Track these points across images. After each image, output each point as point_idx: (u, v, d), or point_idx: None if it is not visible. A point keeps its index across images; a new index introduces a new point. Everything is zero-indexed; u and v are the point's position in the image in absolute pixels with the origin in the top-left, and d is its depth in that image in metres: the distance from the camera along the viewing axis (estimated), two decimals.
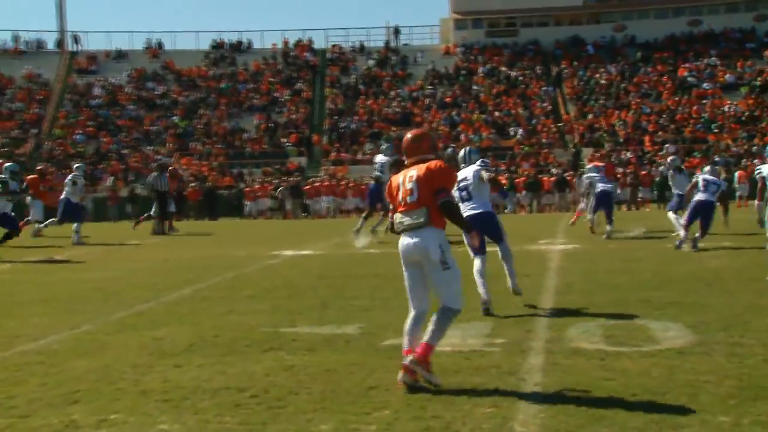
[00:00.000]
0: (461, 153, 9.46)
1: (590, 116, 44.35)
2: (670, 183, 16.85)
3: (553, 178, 34.20)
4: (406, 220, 5.19)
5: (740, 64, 48.99)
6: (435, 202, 5.12)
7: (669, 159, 17.63)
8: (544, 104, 46.03)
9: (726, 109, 43.97)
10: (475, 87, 48.26)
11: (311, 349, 6.10)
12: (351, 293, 8.90)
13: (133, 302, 8.63)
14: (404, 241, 5.20)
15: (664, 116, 43.48)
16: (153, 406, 4.72)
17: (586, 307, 7.55)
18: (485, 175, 8.02)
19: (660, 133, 41.57)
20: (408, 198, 5.21)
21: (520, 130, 42.95)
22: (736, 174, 32.98)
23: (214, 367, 5.58)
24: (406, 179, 5.27)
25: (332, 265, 12.00)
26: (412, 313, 5.22)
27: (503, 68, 50.29)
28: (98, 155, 41.20)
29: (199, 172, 38.76)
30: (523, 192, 33.43)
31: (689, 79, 47.71)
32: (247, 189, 35.04)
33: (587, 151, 39.98)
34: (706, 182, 13.48)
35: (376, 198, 16.40)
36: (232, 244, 16.89)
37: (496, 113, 44.80)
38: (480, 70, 50.01)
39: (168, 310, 8.06)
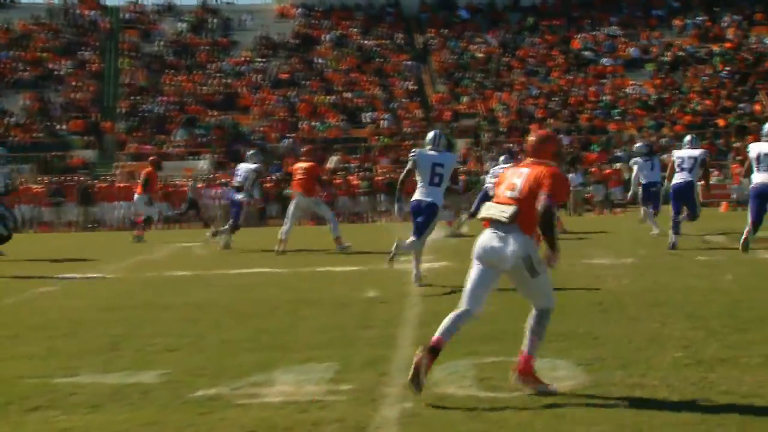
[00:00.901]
0: (430, 134, 12.30)
1: (464, 99, 45.44)
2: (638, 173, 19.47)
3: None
4: (494, 212, 6.10)
5: (645, 35, 51.53)
6: (535, 204, 5.94)
7: (636, 146, 20.70)
8: (407, 83, 46.82)
9: (629, 90, 46.11)
10: (319, 60, 48.54)
11: (95, 406, 5.93)
12: (152, 329, 8.74)
13: None
14: (486, 237, 6.12)
15: (555, 99, 45.13)
16: None
17: (455, 342, 7.68)
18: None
19: (550, 120, 43.04)
20: (508, 192, 6.13)
21: (377, 117, 43.44)
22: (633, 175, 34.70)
23: None
24: (514, 173, 6.23)
25: (128, 293, 11.75)
26: (460, 309, 6.15)
27: (355, 37, 50.85)
28: None
29: None
30: (383, 195, 33.86)
31: (585, 53, 49.80)
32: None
33: (460, 144, 40.94)
34: (681, 160, 15.81)
35: (236, 206, 18.90)
36: None
37: (346, 94, 45.19)
38: (325, 38, 50.34)
39: None
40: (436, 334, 6.05)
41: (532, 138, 6.41)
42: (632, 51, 49.75)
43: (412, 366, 5.86)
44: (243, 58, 48.36)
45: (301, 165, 18.04)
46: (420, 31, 52.05)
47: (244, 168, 19.08)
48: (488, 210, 6.18)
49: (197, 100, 44.07)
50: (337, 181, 34.48)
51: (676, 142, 39.78)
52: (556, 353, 7.14)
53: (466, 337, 7.87)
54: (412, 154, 12.12)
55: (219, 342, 7.94)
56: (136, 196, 22.40)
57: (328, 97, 44.81)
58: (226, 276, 13.55)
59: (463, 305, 6.16)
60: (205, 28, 51.33)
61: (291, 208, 17.74)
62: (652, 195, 19.30)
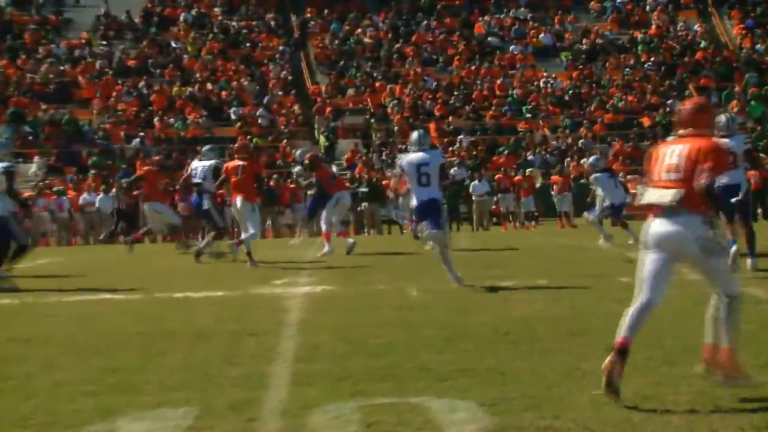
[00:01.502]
0: (414, 135, 14.74)
1: (350, 92, 45.59)
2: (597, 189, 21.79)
3: (293, 185, 34.80)
4: (656, 197, 6.77)
5: (558, 19, 52.51)
6: (698, 182, 6.56)
7: (591, 159, 22.77)
8: (282, 73, 46.76)
9: (542, 83, 46.86)
10: (174, 44, 48.16)
11: None
12: None
13: None
14: (658, 225, 6.80)
15: (456, 93, 45.57)
16: None
17: (340, 380, 7.71)
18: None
19: (450, 118, 43.45)
20: (669, 174, 6.78)
21: (246, 112, 43.25)
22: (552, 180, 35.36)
23: None
24: (669, 152, 6.84)
25: None
26: (639, 302, 6.79)
27: (218, 16, 50.63)
28: None
29: None
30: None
31: (490, 39, 50.47)
32: None
33: (346, 145, 41.06)
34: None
35: (203, 213, 20.53)
36: None
37: (209, 85, 44.92)
38: (182, 17, 49.98)
39: None
40: (621, 334, 6.74)
41: (687, 106, 7.09)
42: (544, 38, 50.66)
43: (604, 376, 6.57)
44: (80, 41, 47.66)
45: (237, 163, 18.55)
46: (296, 11, 52.09)
47: (196, 164, 20.34)
48: (650, 196, 6.88)
49: (24, 91, 43.21)
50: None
51: (595, 145, 40.81)
52: (457, 393, 7.19)
53: (353, 373, 7.90)
54: (398, 161, 15.09)
55: (51, 384, 7.78)
56: None
57: (186, 89, 44.45)
58: (62, 304, 13.31)
59: (643, 297, 6.82)
60: (32, 3, 50.41)
61: (233, 213, 18.99)
62: (618, 215, 21.56)
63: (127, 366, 8.51)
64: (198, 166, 20.45)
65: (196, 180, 20.22)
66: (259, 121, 42.72)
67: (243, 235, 18.57)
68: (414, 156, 14.37)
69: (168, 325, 10.92)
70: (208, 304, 12.87)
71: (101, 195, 32.40)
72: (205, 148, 21.58)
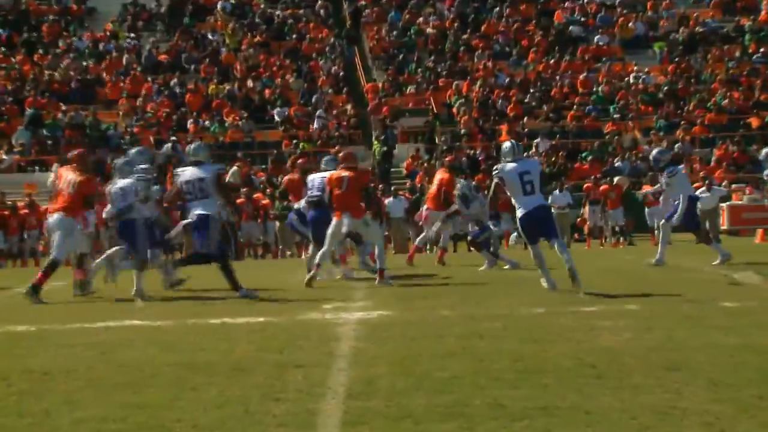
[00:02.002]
0: (507, 146, 16.71)
1: (410, 90, 45.63)
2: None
3: None
4: None
5: (651, 5, 52.17)
6: None
7: (655, 152, 22.44)
8: (332, 68, 46.88)
9: (632, 79, 46.58)
10: (211, 36, 48.49)
11: None
12: None
13: None
14: None
15: (532, 91, 45.45)
16: None
17: (398, 420, 7.69)
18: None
19: (525, 119, 43.32)
20: None
21: (291, 114, 43.38)
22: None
23: None
24: None
25: None
26: None
27: (260, 4, 50.90)
28: None
29: None
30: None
31: (572, 28, 50.28)
32: None
33: (405, 150, 41.03)
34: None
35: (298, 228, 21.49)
36: None
37: (250, 83, 45.14)
38: (219, 5, 50.32)
39: None
40: None
41: None
42: (634, 26, 50.36)
43: None
44: (105, 33, 48.15)
45: (342, 174, 18.83)
46: None
47: (319, 177, 20.19)
48: None
49: (42, 89, 43.70)
50: (240, 200, 34.40)
51: (694, 149, 40.49)
52: None
53: (413, 412, 7.88)
54: (495, 172, 16.76)
55: (71, 422, 7.85)
56: None
57: (224, 87, 44.72)
58: (83, 332, 13.40)
59: None
60: None
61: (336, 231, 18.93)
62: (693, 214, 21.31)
63: (155, 402, 8.55)
64: (316, 177, 20.33)
65: (315, 192, 20.07)
66: (310, 124, 42.76)
67: (376, 251, 19.08)
68: (513, 165, 16.44)
69: (202, 356, 10.95)
70: (248, 331, 12.89)
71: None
72: (326, 158, 21.60)
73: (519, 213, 16.43)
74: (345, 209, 18.53)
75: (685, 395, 8.21)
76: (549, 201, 33.40)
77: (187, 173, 17.67)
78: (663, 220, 21.66)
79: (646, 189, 23.91)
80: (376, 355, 10.68)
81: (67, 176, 18.26)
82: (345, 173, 18.68)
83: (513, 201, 16.60)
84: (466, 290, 17.45)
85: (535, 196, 16.40)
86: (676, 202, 21.01)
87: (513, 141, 17.26)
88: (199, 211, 17.24)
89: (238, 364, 10.20)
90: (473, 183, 24.11)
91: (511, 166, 16.38)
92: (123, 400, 8.63)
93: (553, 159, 39.48)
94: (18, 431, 7.69)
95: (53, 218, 18.10)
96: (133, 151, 21.02)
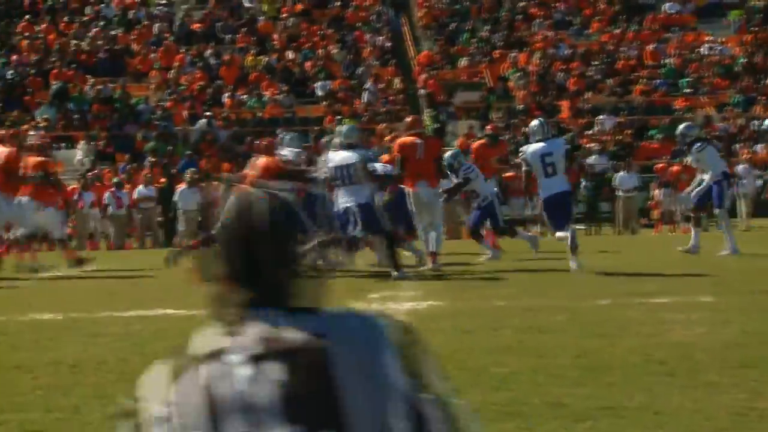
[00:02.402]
0: (536, 124, 17.84)
1: (463, 62, 45.53)
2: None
3: None
4: None
5: None
6: None
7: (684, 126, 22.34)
8: (379, 39, 46.84)
9: (705, 50, 46.27)
10: (247, 3, 48.52)
11: None
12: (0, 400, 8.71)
13: None
14: None
15: (596, 63, 45.26)
16: None
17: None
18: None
19: (588, 94, 43.15)
20: None
21: (335, 87, 43.38)
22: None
23: None
24: None
25: None
26: None
27: None
28: None
29: None
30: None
31: None
32: None
33: (457, 127, 40.94)
34: None
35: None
36: None
37: (290, 54, 45.16)
38: None
39: None
40: None
41: None
42: None
43: None
44: (135, 0, 48.28)
45: (415, 140, 18.84)
46: None
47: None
48: None
49: (67, 61, 43.86)
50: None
51: None
52: None
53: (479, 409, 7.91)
54: (520, 154, 17.86)
55: (103, 418, 7.88)
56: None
57: (262, 59, 44.76)
58: (114, 320, 13.52)
59: None
60: None
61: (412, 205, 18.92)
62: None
63: None
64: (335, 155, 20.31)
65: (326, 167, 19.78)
66: (355, 98, 42.73)
67: (430, 236, 18.73)
68: (538, 146, 17.17)
69: None
70: None
71: (183, 188, 32.18)
72: (287, 136, 21.60)
73: (541, 196, 17.54)
74: (421, 177, 18.45)
75: (763, 395, 8.19)
76: (614, 183, 33.51)
77: (337, 157, 17.93)
78: (716, 209, 21.45)
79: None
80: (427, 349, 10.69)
81: None
82: (417, 139, 18.68)
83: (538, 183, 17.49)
84: (524, 278, 17.44)
85: (557, 179, 17.29)
86: (705, 181, 21.06)
87: (541, 119, 18.34)
88: (356, 201, 17.53)
89: None
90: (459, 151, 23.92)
91: (534, 147, 17.32)
92: None
93: (619, 138, 39.31)
94: (45, 427, 7.76)
95: None
96: (286, 137, 21.68)
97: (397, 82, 44.01)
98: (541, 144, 17.25)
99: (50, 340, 12.05)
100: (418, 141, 18.56)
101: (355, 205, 17.39)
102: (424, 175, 18.40)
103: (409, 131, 19.16)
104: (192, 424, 2.77)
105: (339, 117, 40.74)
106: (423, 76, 44.13)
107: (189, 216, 30.48)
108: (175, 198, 31.38)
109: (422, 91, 43.45)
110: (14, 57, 43.75)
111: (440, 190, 19.73)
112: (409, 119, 20.44)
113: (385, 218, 17.66)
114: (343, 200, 17.54)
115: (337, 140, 18.80)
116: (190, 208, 30.61)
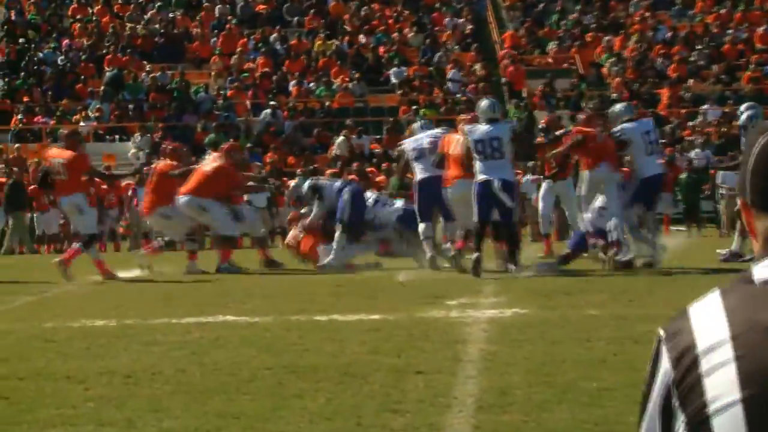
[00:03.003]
0: (484, 103, 18.21)
1: (552, 46, 45.44)
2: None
3: None
4: None
5: None
6: None
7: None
8: (459, 21, 46.84)
9: None
10: None
11: None
12: (50, 412, 8.77)
13: None
14: None
15: (699, 48, 44.99)
16: None
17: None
18: None
19: (691, 81, 42.90)
20: None
21: (411, 75, 43.40)
22: None
23: None
24: None
25: (13, 352, 11.82)
26: None
27: None
28: None
29: None
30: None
31: None
32: None
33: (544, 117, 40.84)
34: None
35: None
36: None
37: (362, 38, 45.25)
38: None
39: None
40: None
41: None
42: None
43: None
44: None
45: (456, 136, 19.22)
46: None
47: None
48: None
49: (122, 46, 44.19)
50: (350, 176, 34.47)
51: None
52: None
53: (556, 428, 7.92)
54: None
55: None
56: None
57: (331, 43, 44.88)
58: (170, 327, 13.62)
59: None
60: None
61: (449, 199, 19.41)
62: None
63: (253, 411, 8.67)
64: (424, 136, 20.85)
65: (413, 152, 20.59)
66: (429, 86, 42.77)
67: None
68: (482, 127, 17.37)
69: (307, 358, 11.07)
70: (360, 330, 13.00)
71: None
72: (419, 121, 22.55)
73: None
74: (461, 172, 18.77)
75: None
76: (718, 180, 33.31)
77: (477, 132, 18.28)
78: None
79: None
80: (511, 361, 10.72)
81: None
82: (459, 135, 19.02)
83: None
84: (617, 284, 17.39)
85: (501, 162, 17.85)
86: None
87: (490, 98, 19.03)
88: (501, 176, 18.04)
89: (349, 369, 10.30)
90: None
91: (481, 129, 17.90)
92: (216, 408, 8.78)
93: (724, 130, 39.04)
94: None
95: None
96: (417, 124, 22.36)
97: (478, 69, 43.91)
98: (487, 127, 17.62)
99: (102, 348, 12.18)
100: (458, 137, 19.06)
101: (498, 179, 17.80)
102: (465, 169, 18.72)
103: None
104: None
105: (415, 107, 40.79)
106: (507, 63, 44.01)
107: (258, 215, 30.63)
108: None
109: (505, 79, 43.35)
110: (65, 42, 44.14)
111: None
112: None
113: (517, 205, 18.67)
114: (483, 176, 17.97)
115: (416, 124, 21.10)
116: (258, 205, 30.72)
